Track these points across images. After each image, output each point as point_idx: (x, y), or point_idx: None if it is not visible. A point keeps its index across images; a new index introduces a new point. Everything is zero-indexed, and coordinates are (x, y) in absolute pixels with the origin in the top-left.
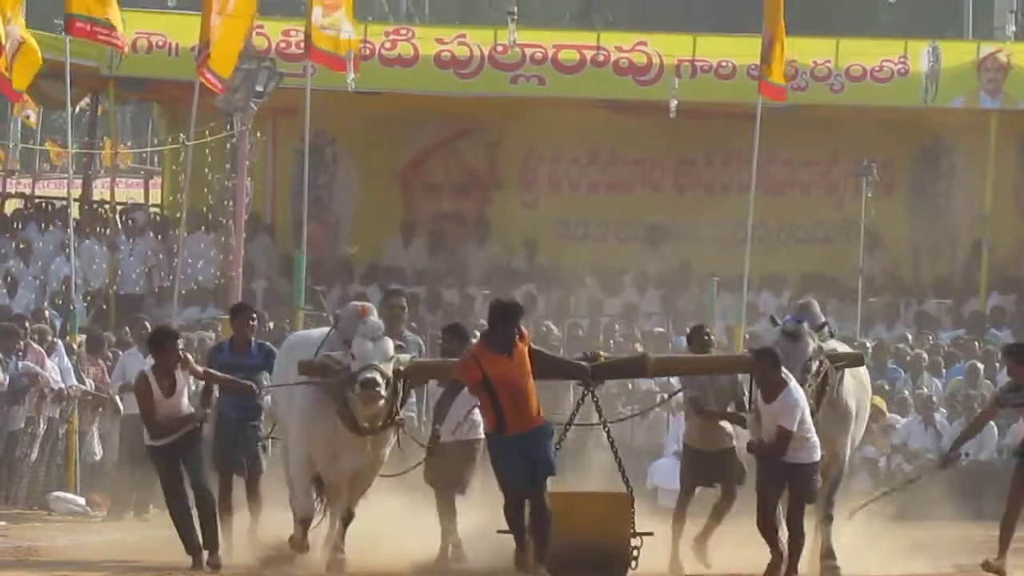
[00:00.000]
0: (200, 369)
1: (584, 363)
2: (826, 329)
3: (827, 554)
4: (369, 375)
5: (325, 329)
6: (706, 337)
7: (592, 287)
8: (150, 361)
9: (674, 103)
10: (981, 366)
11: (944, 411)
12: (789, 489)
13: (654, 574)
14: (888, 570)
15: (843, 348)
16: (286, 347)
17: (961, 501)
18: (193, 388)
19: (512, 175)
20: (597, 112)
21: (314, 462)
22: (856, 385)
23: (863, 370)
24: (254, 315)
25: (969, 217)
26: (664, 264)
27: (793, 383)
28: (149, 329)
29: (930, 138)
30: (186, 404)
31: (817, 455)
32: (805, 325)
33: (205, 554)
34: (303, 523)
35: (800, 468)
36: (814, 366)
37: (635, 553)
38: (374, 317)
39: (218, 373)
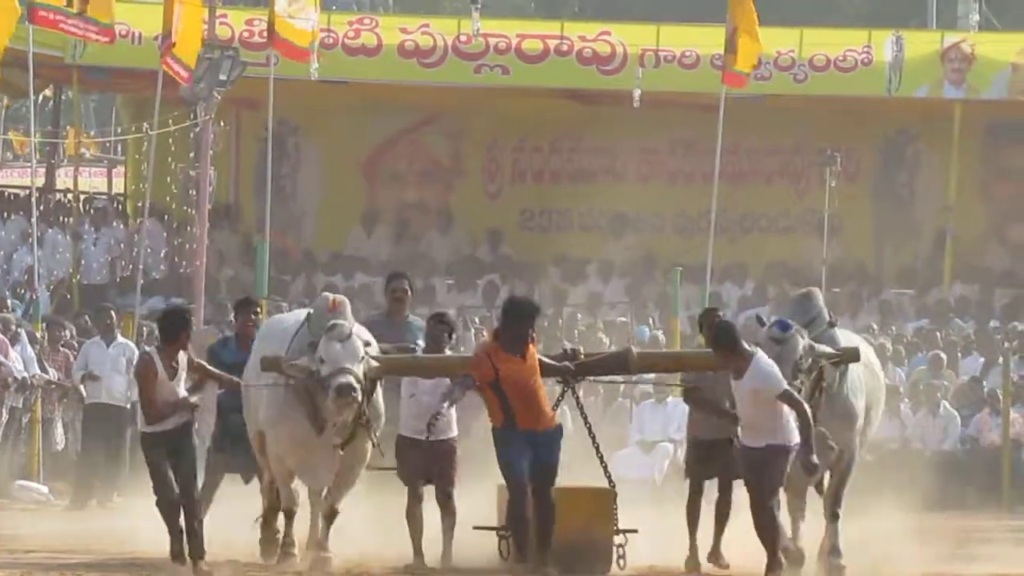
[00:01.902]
0: (195, 361)
1: (567, 362)
2: (820, 319)
3: (832, 551)
4: (344, 380)
5: (300, 315)
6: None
7: (555, 277)
8: (112, 350)
9: (638, 93)
10: (944, 356)
11: (907, 401)
12: (758, 474)
13: (641, 572)
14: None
15: (852, 339)
16: (259, 336)
17: (924, 491)
18: None
19: (476, 164)
20: (561, 102)
21: (287, 461)
22: (867, 380)
23: (874, 362)
24: (257, 309)
25: (933, 207)
26: (627, 253)
27: (760, 353)
28: (114, 318)
29: (894, 128)
30: (183, 391)
31: (792, 440)
32: (794, 327)
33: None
34: (287, 514)
35: (769, 450)
36: (805, 364)
37: (620, 551)
38: (345, 313)
39: (207, 366)
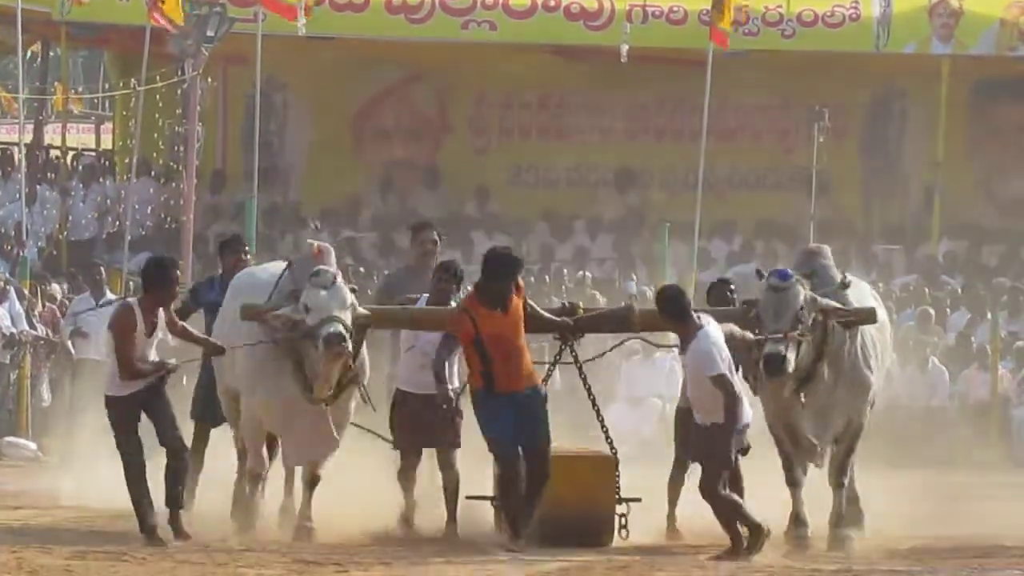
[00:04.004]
0: (178, 323)
1: (566, 317)
2: (827, 277)
3: (837, 521)
4: (333, 330)
5: (277, 265)
6: (729, 293)
7: (543, 233)
8: (102, 308)
9: (625, 49)
10: (932, 312)
11: (894, 357)
12: (706, 454)
13: (645, 544)
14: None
15: (866, 300)
16: (234, 289)
17: (910, 447)
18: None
19: (463, 121)
20: (548, 58)
21: (266, 423)
22: (879, 344)
23: (884, 322)
24: (247, 248)
25: (921, 163)
26: (615, 210)
27: (710, 326)
28: (104, 274)
29: (882, 84)
30: (154, 354)
31: (747, 418)
32: (794, 276)
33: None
34: (253, 478)
35: (715, 429)
36: (808, 317)
37: (623, 521)
38: (330, 260)
39: (190, 329)
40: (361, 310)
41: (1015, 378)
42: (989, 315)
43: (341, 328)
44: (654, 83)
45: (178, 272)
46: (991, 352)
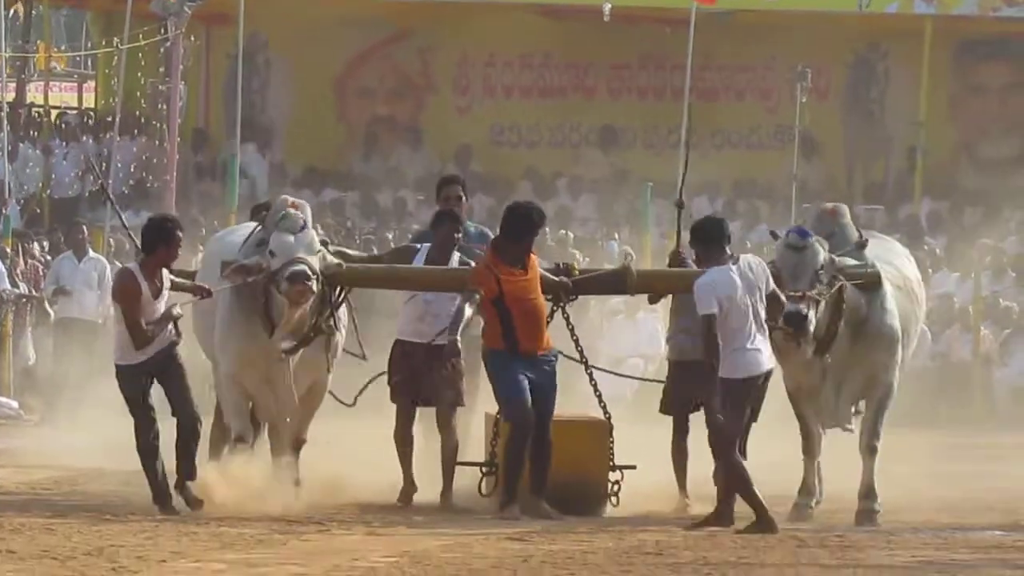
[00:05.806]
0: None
1: (564, 278)
2: (843, 238)
3: (867, 493)
4: (296, 268)
5: (249, 227)
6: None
7: (525, 192)
8: (84, 265)
9: (608, 7)
10: None
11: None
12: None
13: (638, 513)
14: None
15: (889, 256)
16: (207, 251)
17: (894, 408)
18: None
19: (446, 80)
20: (531, 17)
21: (242, 381)
22: (904, 302)
23: (911, 277)
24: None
25: (904, 123)
26: (598, 169)
27: (739, 264)
28: (86, 233)
29: (865, 44)
30: (163, 309)
31: (757, 369)
32: (813, 236)
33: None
34: (239, 441)
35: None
36: (824, 277)
37: (615, 488)
38: (305, 216)
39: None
40: (331, 259)
41: (997, 339)
42: (972, 275)
43: (305, 268)
44: (637, 42)
45: (180, 232)
46: (973, 313)
